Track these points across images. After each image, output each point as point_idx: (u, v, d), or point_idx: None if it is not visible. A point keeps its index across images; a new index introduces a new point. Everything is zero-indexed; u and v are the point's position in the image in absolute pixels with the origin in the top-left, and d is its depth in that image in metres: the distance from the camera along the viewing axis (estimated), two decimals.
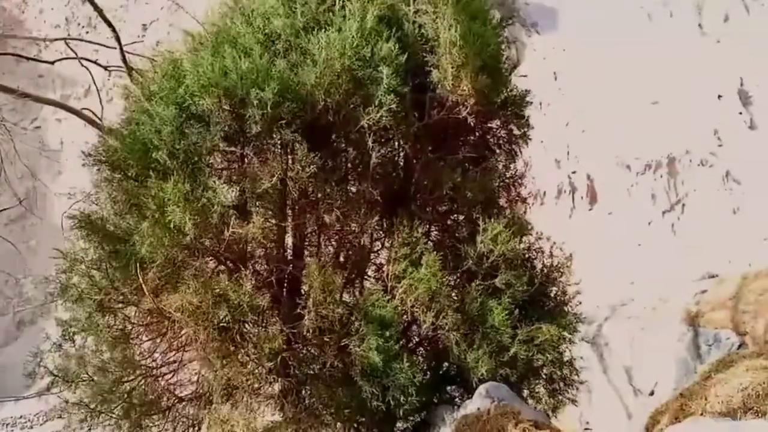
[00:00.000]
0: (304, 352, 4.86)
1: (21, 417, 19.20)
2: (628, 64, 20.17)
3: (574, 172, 18.74)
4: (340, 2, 4.96)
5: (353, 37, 4.72)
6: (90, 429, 5.10)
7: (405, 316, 5.09)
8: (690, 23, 23.93)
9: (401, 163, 5.52)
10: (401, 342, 5.43)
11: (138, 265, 4.51)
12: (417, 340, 5.60)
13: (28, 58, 6.92)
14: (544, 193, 18.42)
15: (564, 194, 18.68)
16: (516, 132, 6.07)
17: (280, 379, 4.95)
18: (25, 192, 19.07)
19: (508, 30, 20.63)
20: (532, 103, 6.11)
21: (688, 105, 19.87)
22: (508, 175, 6.12)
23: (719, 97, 20.66)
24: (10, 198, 17.98)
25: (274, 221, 5.10)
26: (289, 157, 4.81)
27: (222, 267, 4.87)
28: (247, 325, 4.73)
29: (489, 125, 5.92)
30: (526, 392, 5.79)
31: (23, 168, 17.26)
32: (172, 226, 4.33)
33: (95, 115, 6.57)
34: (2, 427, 18.80)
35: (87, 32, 21.11)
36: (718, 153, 19.61)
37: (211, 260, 4.83)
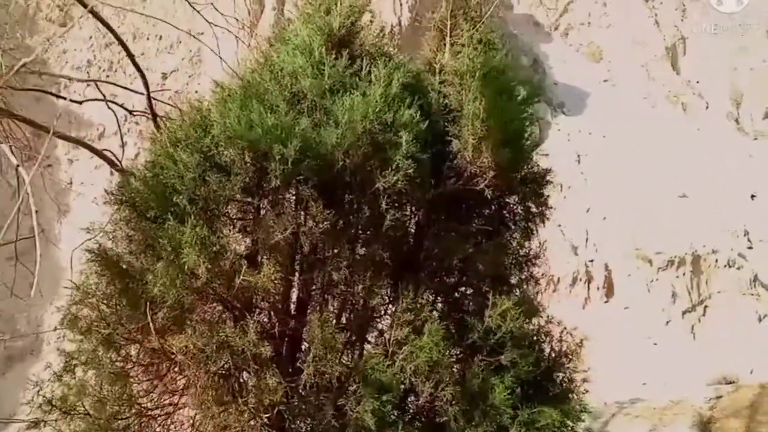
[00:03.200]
0: (301, 407, 5.09)
1: None
2: (657, 154, 20.50)
3: (591, 261, 18.88)
4: (367, 67, 5.38)
5: (377, 101, 5.11)
6: None
7: (403, 384, 5.31)
8: (727, 117, 24.38)
9: (412, 230, 5.83)
10: (397, 410, 5.65)
11: (148, 304, 4.82)
12: (414, 410, 5.78)
13: (57, 96, 7.31)
14: (558, 279, 18.54)
15: (579, 283, 18.79)
16: (533, 210, 6.30)
17: None
18: (29, 229, 19.50)
19: (533, 107, 21.20)
20: (552, 182, 6.41)
21: (719, 202, 20.07)
22: (521, 253, 6.30)
23: (753, 196, 20.90)
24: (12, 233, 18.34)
25: (281, 274, 5.41)
26: (303, 212, 5.16)
27: (228, 314, 5.16)
28: (245, 375, 5.00)
29: (506, 200, 6.17)
30: None
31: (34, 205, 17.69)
32: (185, 268, 4.65)
33: (115, 157, 6.98)
34: None
35: (107, 75, 21.93)
36: (748, 255, 19.69)
37: (218, 306, 5.13)
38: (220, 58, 7.07)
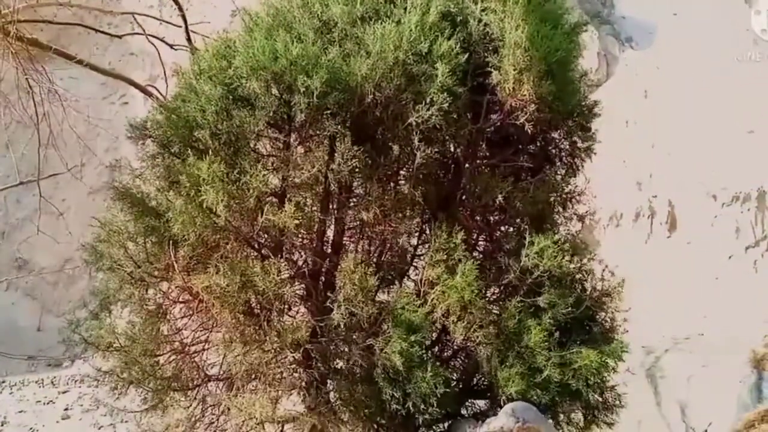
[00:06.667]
0: (329, 347, 4.78)
1: (88, 375, 19.87)
2: (726, 89, 19.32)
3: (654, 196, 18.06)
4: None
5: (411, 30, 4.61)
6: (119, 398, 5.18)
7: (437, 324, 4.94)
8: None
9: (451, 166, 5.36)
10: (433, 350, 5.30)
11: (171, 242, 4.53)
12: (454, 348, 5.44)
13: (97, 30, 7.08)
14: (621, 214, 17.81)
15: (642, 218, 18.04)
16: (579, 145, 5.78)
17: (304, 371, 4.91)
18: (109, 163, 19.73)
19: (600, 42, 20.12)
20: (600, 115, 5.83)
21: None
22: (566, 190, 5.83)
23: None
24: (94, 169, 18.62)
25: (318, 213, 5.04)
26: (331, 149, 4.73)
27: (255, 253, 4.83)
28: (274, 313, 4.69)
29: (551, 135, 5.65)
30: (561, 415, 5.55)
31: (110, 141, 17.83)
32: (204, 206, 4.32)
33: (159, 93, 6.68)
34: (72, 382, 19.51)
35: (179, 15, 21.50)
36: None
37: (244, 245, 4.80)
38: None
